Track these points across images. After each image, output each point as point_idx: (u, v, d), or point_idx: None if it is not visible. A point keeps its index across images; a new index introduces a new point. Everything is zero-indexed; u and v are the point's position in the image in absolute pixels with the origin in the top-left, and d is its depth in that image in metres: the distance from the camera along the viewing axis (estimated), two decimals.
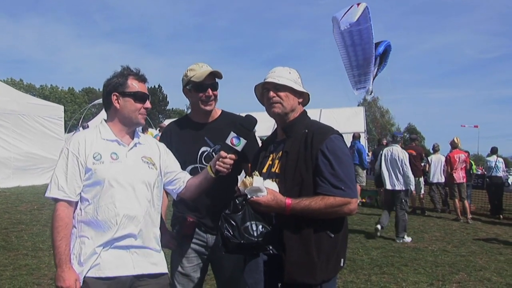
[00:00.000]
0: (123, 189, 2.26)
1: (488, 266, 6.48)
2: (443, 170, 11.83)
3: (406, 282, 5.54)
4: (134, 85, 2.37)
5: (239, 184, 2.21)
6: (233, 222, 2.13)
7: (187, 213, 2.80)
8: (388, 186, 8.40)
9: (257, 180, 2.13)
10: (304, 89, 2.45)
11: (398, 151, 8.37)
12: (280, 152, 2.38)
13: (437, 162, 12.16)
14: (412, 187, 8.37)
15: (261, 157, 2.54)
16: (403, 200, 8.28)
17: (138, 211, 2.28)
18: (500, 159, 12.21)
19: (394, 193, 8.35)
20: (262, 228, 2.16)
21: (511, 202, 13.21)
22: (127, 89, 2.35)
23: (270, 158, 2.47)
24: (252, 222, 2.15)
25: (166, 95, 64.08)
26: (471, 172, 13.15)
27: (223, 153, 2.46)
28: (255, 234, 2.14)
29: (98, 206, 2.22)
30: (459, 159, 11.19)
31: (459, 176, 11.14)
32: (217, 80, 2.87)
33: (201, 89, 2.81)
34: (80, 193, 2.25)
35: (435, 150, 12.76)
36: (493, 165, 12.21)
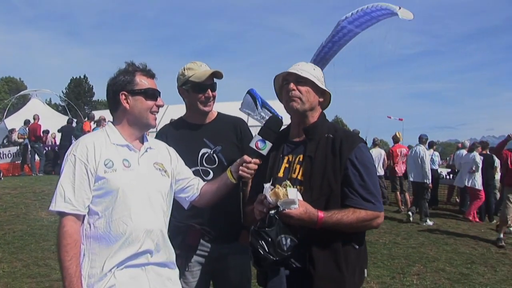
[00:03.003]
0: (139, 200, 2.03)
1: (439, 257, 6.88)
2: (383, 163, 12.33)
3: (369, 277, 5.68)
4: (143, 81, 2.15)
5: (269, 195, 2.05)
6: (268, 238, 1.97)
7: (188, 222, 2.61)
8: (411, 179, 10.43)
9: (291, 192, 1.99)
10: (327, 89, 2.31)
11: (420, 150, 10.10)
12: (301, 156, 2.22)
13: (377, 156, 12.63)
14: (428, 181, 9.91)
15: (272, 158, 2.33)
16: (425, 191, 10.01)
17: (155, 224, 2.07)
18: (436, 153, 12.94)
19: (418, 185, 10.11)
20: (290, 241, 2.02)
21: (445, 193, 14.17)
22: (136, 87, 2.13)
23: (285, 161, 2.29)
24: (282, 236, 2.00)
25: (92, 86, 59.91)
26: None
27: (247, 158, 2.31)
28: (285, 248, 2.00)
29: (111, 220, 1.97)
30: (400, 153, 11.79)
31: (401, 169, 11.75)
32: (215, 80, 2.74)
33: (201, 89, 2.66)
34: (89, 205, 1.99)
35: (375, 144, 13.25)
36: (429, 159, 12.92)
